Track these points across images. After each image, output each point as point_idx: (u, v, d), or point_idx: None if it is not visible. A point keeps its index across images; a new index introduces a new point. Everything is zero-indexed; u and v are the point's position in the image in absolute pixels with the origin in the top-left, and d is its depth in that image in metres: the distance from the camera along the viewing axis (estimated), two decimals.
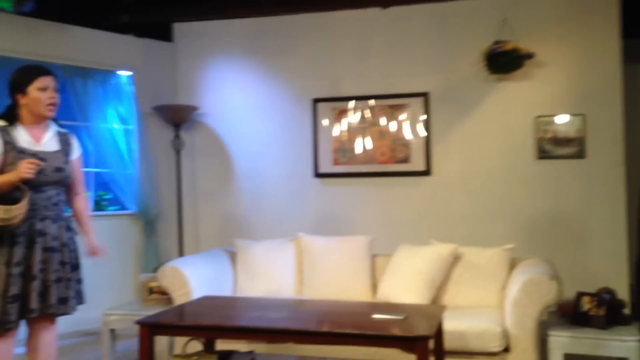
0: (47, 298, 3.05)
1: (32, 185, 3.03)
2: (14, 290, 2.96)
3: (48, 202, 3.11)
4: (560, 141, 5.32)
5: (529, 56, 5.18)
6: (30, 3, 5.28)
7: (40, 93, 3.08)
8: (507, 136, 5.47)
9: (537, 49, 5.25)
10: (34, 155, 3.05)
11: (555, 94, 5.37)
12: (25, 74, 3.12)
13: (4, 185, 2.93)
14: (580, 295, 3.71)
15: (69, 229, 3.24)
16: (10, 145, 3.03)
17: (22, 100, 3.10)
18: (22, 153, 3.03)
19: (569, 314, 3.82)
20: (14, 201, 2.91)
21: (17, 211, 2.89)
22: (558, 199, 5.34)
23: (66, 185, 3.25)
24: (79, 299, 3.25)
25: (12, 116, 3.12)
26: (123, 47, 5.99)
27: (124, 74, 6.00)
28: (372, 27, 5.82)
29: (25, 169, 2.90)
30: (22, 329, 3.19)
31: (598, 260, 5.21)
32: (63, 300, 3.12)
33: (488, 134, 5.52)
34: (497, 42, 5.17)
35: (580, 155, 5.28)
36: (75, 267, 3.23)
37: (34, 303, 3.00)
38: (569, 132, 5.31)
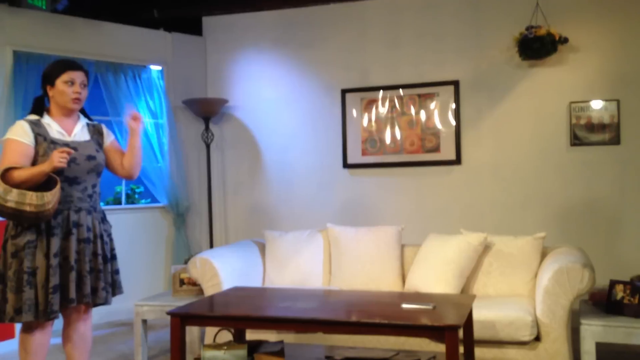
0: (82, 288, 3.11)
1: (67, 176, 3.10)
2: (55, 280, 3.02)
3: (83, 194, 3.17)
4: (594, 127, 5.23)
5: (563, 41, 5.09)
6: (63, 1, 5.36)
7: (66, 86, 3.15)
8: (540, 123, 5.39)
9: (570, 33, 5.17)
10: (66, 145, 3.12)
11: (589, 79, 5.27)
12: (55, 67, 3.19)
13: (38, 176, 2.99)
14: (614, 283, 3.64)
15: (103, 221, 3.30)
16: (41, 137, 3.10)
17: (50, 92, 3.19)
18: (54, 144, 3.10)
19: (601, 302, 3.76)
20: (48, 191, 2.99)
21: (50, 197, 2.94)
22: (591, 186, 5.25)
23: (100, 174, 3.30)
24: (115, 289, 3.31)
25: (40, 107, 3.21)
26: (153, 41, 6.06)
27: (154, 68, 6.07)
28: (401, 15, 5.78)
29: (57, 159, 2.95)
30: (58, 320, 3.26)
31: (632, 248, 5.11)
32: (94, 291, 3.18)
33: (520, 122, 5.45)
34: (529, 28, 5.09)
35: (614, 141, 5.18)
36: (109, 258, 3.28)
37: (73, 293, 3.07)
38: (604, 118, 5.20)
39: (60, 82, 3.15)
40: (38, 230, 3.04)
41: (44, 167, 2.98)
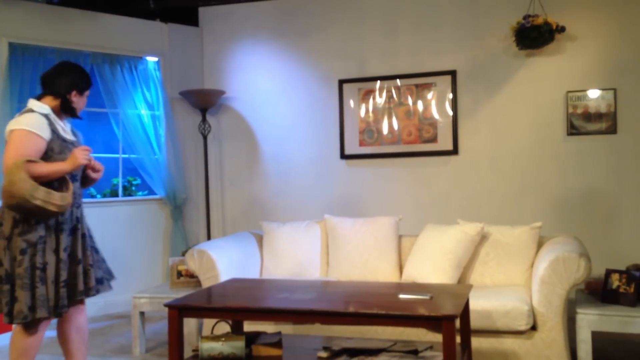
0: (88, 282, 3.16)
1: (70, 173, 3.12)
2: (65, 275, 3.05)
3: (79, 190, 3.24)
4: (591, 116, 5.22)
5: (560, 30, 5.08)
6: None
7: (85, 99, 3.28)
8: (537, 113, 5.39)
9: (567, 22, 5.15)
10: (72, 144, 3.17)
11: (586, 68, 5.26)
12: (87, 79, 3.27)
13: (57, 174, 3.01)
14: (610, 272, 3.66)
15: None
16: (55, 134, 3.10)
17: (74, 98, 3.20)
18: (64, 142, 3.13)
19: (597, 291, 3.78)
20: (56, 190, 3.01)
21: (69, 198, 2.99)
22: (588, 175, 5.25)
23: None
24: (111, 276, 3.38)
25: (67, 108, 3.20)
26: (150, 32, 6.04)
27: (151, 59, 6.04)
28: (399, 4, 5.76)
29: (83, 156, 3.03)
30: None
31: (628, 237, 5.12)
32: (100, 281, 3.25)
33: (517, 111, 5.44)
34: (526, 17, 5.07)
35: (611, 130, 5.17)
36: (97, 249, 3.35)
37: (81, 286, 3.10)
38: (601, 107, 5.20)
39: (85, 94, 3.27)
40: (47, 226, 3.04)
41: (65, 166, 3.02)
